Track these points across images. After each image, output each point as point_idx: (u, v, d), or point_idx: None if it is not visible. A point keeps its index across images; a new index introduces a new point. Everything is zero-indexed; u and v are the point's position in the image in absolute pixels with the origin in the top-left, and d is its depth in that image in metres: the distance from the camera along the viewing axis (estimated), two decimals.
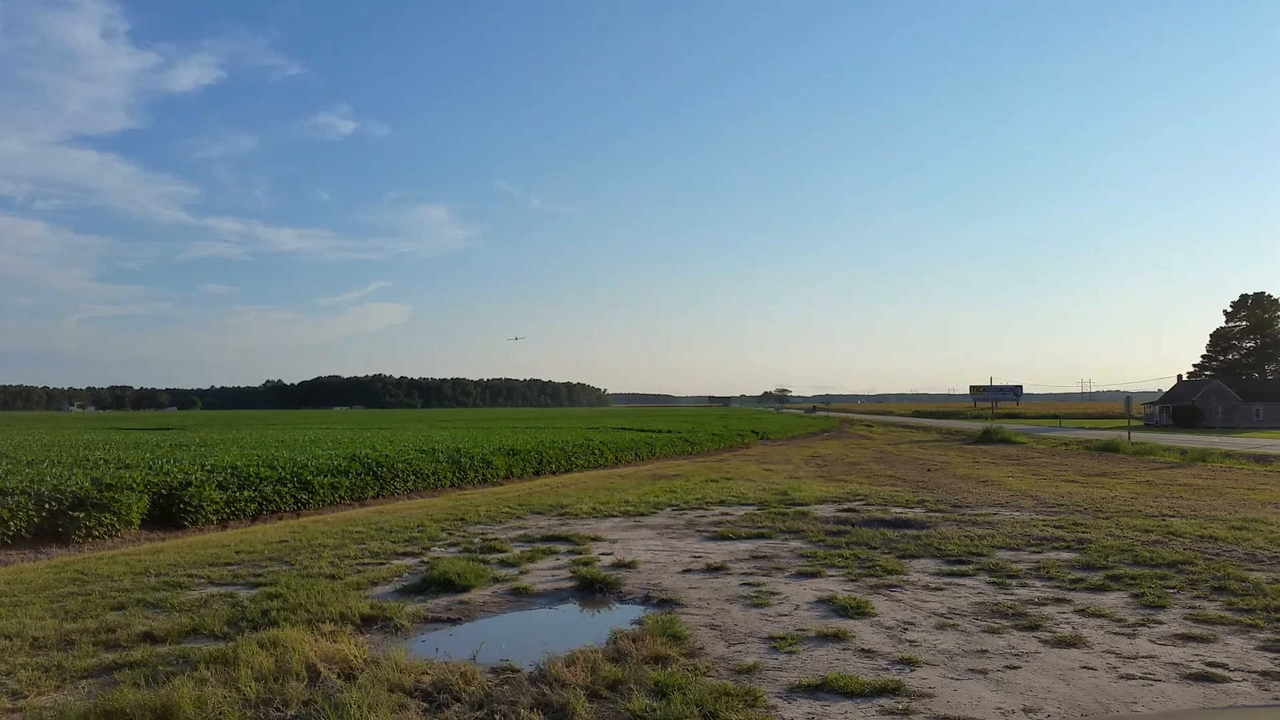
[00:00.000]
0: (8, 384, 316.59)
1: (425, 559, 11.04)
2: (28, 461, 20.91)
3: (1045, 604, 8.37)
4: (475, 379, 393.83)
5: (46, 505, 14.37)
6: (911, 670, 6.34)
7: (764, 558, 11.03)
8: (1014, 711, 5.49)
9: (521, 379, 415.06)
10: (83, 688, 6.05)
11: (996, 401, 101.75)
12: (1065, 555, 10.99)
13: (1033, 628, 7.48)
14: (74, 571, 10.51)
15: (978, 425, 64.34)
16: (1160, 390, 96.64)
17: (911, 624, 7.68)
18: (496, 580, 9.73)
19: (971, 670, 6.33)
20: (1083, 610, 8.07)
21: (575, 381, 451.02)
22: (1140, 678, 6.09)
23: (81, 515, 14.54)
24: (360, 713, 5.23)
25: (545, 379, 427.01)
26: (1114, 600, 8.51)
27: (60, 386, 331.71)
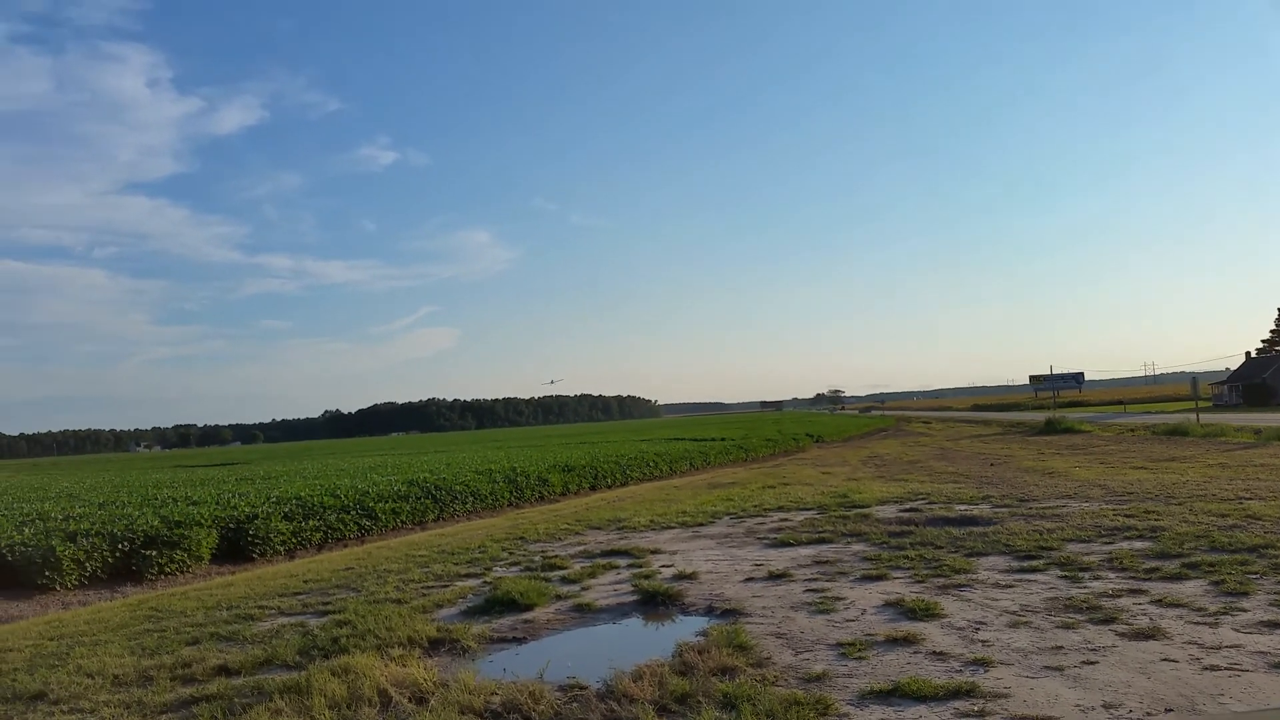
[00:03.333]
0: (77, 428, 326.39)
1: (488, 579, 11.10)
2: (100, 503, 21.49)
3: (1120, 596, 8.15)
4: (526, 398, 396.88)
5: (120, 545, 14.75)
6: (985, 671, 6.21)
7: (826, 562, 10.91)
8: (1094, 708, 5.34)
9: (572, 395, 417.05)
10: None
11: (1058, 390, 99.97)
12: (1138, 545, 10.70)
13: (1109, 621, 7.29)
14: (149, 609, 10.76)
15: (1039, 415, 63.02)
16: (1228, 369, 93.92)
17: (983, 623, 7.53)
18: (559, 598, 9.75)
19: (1047, 668, 6.18)
20: (1160, 600, 7.84)
21: (626, 394, 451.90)
22: (1226, 668, 5.89)
23: (153, 553, 14.90)
24: None
25: (596, 393, 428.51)
26: (1192, 589, 8.25)
27: (126, 428, 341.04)
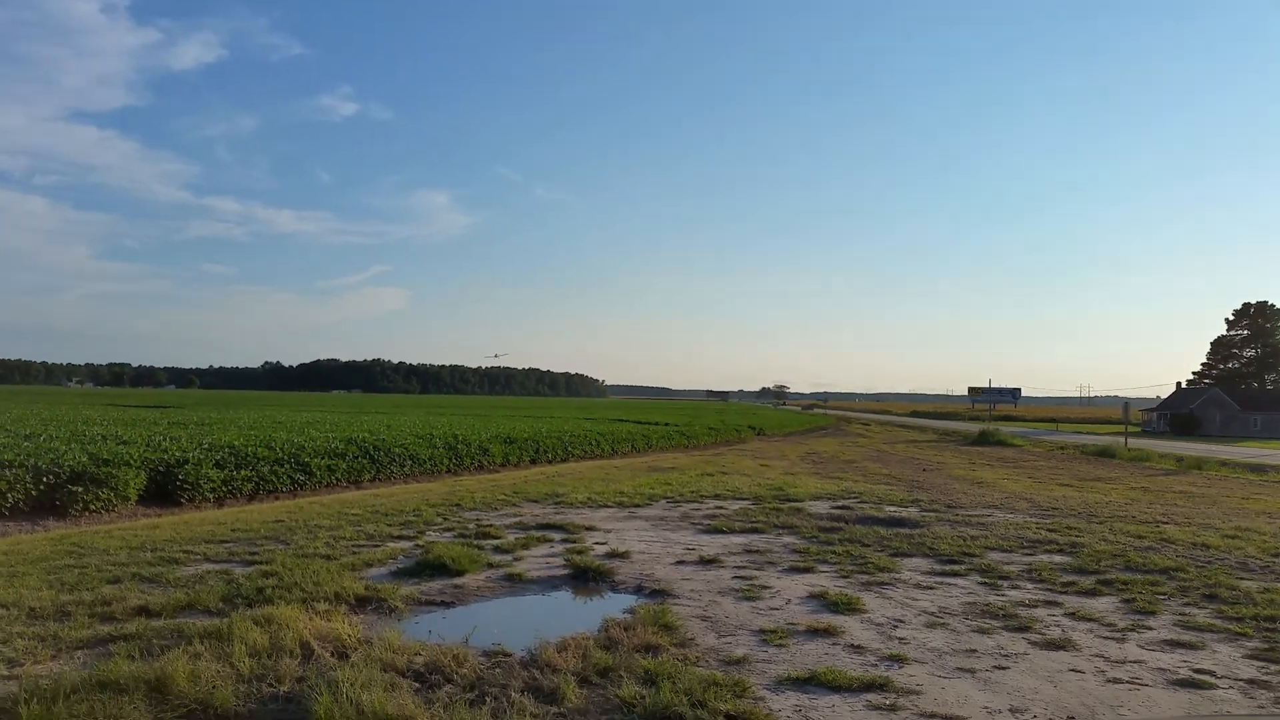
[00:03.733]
0: (6, 358, 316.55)
1: (420, 543, 11.08)
2: (25, 435, 20.94)
3: (1036, 606, 8.41)
4: (474, 366, 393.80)
5: (44, 479, 14.41)
6: (900, 667, 6.38)
7: (757, 552, 11.07)
8: (1001, 711, 5.53)
9: (520, 368, 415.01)
10: (78, 658, 6.09)
11: (994, 404, 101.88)
12: (1058, 558, 11.03)
13: (1023, 629, 7.52)
14: (70, 544, 10.55)
15: (975, 427, 64.42)
16: (1159, 397, 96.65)
17: (901, 621, 7.73)
18: (490, 566, 9.77)
19: (960, 669, 6.37)
20: (1073, 613, 8.11)
21: (574, 372, 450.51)
22: (1128, 682, 6.13)
23: (79, 489, 14.59)
24: (353, 690, 5.27)
25: (544, 369, 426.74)
26: (1105, 604, 8.55)
27: (59, 362, 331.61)
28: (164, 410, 46.38)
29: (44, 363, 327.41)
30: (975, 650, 6.86)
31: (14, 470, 14.22)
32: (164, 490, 16.36)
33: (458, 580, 9.02)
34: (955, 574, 9.92)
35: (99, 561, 9.40)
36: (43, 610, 7.24)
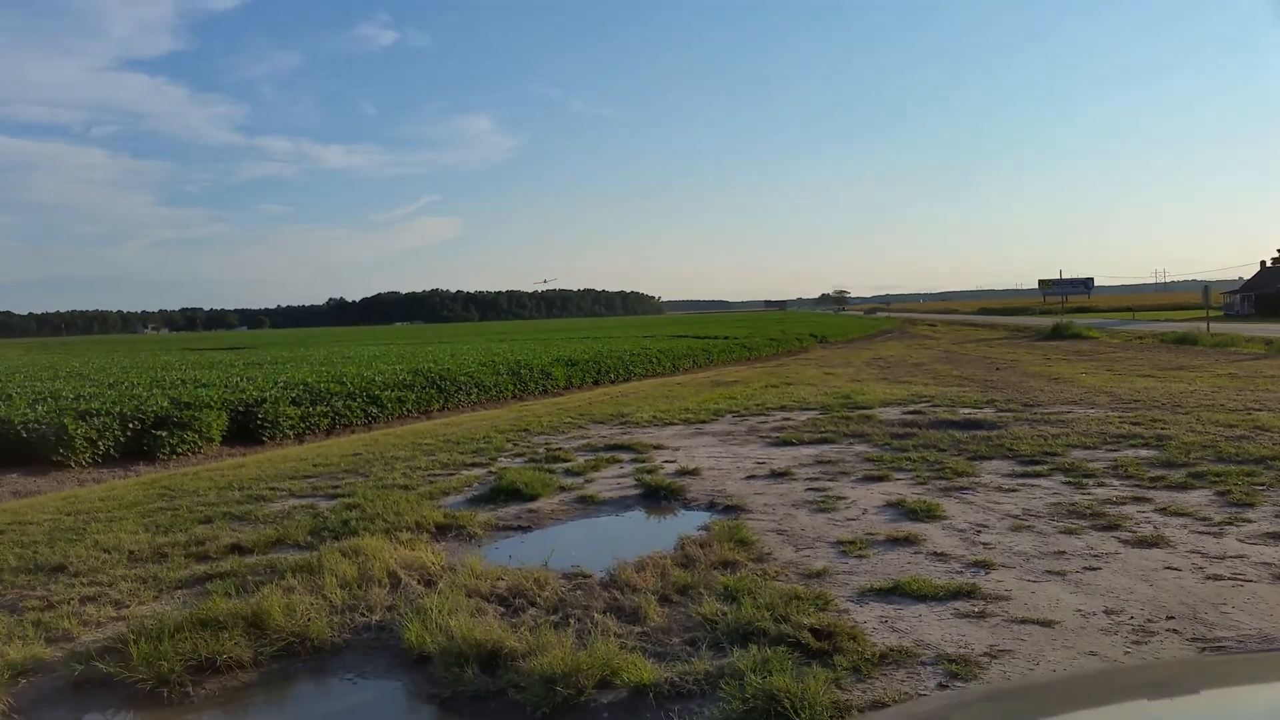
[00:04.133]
0: (84, 309, 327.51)
1: (493, 469, 11.21)
2: (109, 384, 21.64)
3: (1124, 503, 8.19)
4: (530, 290, 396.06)
5: (130, 425, 14.88)
6: (986, 573, 6.27)
7: (828, 462, 10.97)
8: (1095, 613, 5.40)
9: (575, 290, 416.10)
10: (178, 598, 6.31)
11: (1066, 296, 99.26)
12: (1144, 453, 10.73)
13: (1112, 528, 7.34)
14: (161, 488, 10.90)
15: (1047, 321, 62.78)
16: (1241, 279, 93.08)
17: (985, 526, 7.59)
18: (563, 489, 9.85)
19: (1049, 572, 6.24)
20: (1164, 509, 7.88)
21: (630, 290, 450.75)
22: (1229, 578, 5.93)
23: (164, 434, 15.04)
24: (441, 617, 5.35)
25: (599, 289, 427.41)
26: (1198, 498, 8.29)
27: (133, 310, 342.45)
28: (238, 351, 47.57)
29: (119, 311, 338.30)
30: (1064, 552, 6.71)
31: (102, 419, 14.70)
32: (246, 430, 16.81)
33: (532, 505, 9.11)
34: (1037, 474, 9.71)
35: (190, 503, 9.71)
36: (141, 553, 7.50)
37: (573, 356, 29.99)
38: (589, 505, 9.16)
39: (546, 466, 11.25)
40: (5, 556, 7.53)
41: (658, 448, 12.71)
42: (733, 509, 8.66)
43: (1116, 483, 9.12)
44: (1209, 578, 5.97)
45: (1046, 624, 5.27)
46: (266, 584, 6.22)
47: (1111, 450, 11.02)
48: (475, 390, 22.92)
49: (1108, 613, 5.41)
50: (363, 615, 5.73)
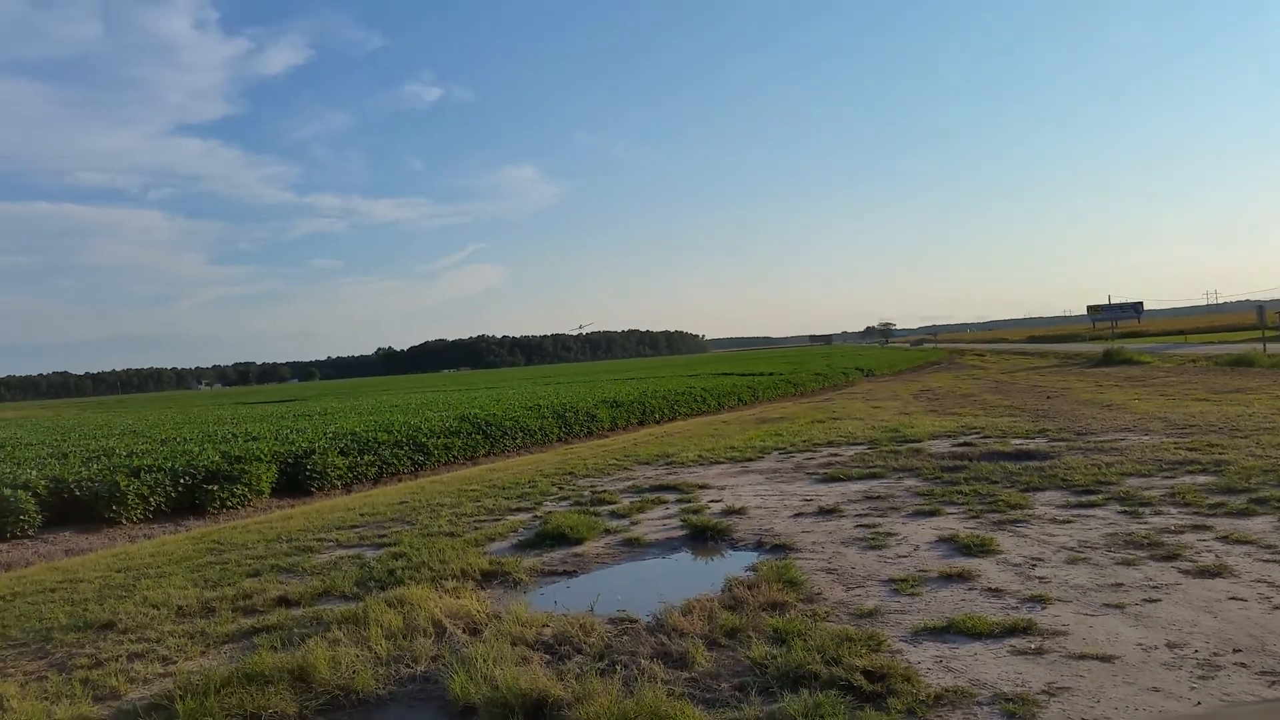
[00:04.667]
0: (140, 367, 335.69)
1: (538, 513, 11.20)
2: (162, 440, 22.08)
3: (1183, 532, 7.94)
4: (574, 333, 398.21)
5: (182, 480, 15.15)
6: (1043, 608, 6.10)
7: (878, 498, 10.80)
8: (1157, 647, 5.21)
9: (619, 331, 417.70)
10: (225, 652, 6.34)
11: (1116, 321, 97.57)
12: (1202, 479, 10.41)
13: (1171, 557, 7.10)
14: (211, 541, 11.04)
15: (1097, 347, 61.63)
16: None
17: (1040, 559, 7.39)
18: (608, 532, 9.80)
19: (1107, 605, 6.04)
20: (1225, 537, 7.62)
21: (673, 329, 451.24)
22: None
23: (215, 488, 15.28)
24: (487, 666, 5.32)
25: (643, 329, 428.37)
26: (1260, 525, 7.99)
27: (188, 366, 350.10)
28: (288, 404, 48.36)
29: (174, 368, 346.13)
30: (1122, 584, 6.50)
31: (154, 474, 14.99)
32: (294, 481, 17.02)
33: (577, 548, 9.07)
34: (1092, 504, 9.46)
35: (238, 556, 9.81)
36: (189, 608, 7.57)
37: (617, 398, 30.03)
38: (634, 548, 9.09)
39: (591, 509, 11.21)
40: (56, 614, 7.65)
41: (703, 487, 12.62)
42: (781, 548, 8.54)
43: (1174, 511, 8.85)
44: (1277, 608, 5.73)
45: (1106, 659, 5.09)
46: (312, 636, 6.24)
47: (1168, 477, 10.71)
48: (520, 434, 23.02)
49: (1170, 646, 5.22)
50: (408, 666, 5.72)
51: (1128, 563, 7.07)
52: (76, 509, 14.41)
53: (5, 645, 6.89)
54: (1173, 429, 15.39)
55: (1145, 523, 8.42)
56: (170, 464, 15.68)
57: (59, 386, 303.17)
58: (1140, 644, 5.29)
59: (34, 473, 15.30)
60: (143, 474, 14.99)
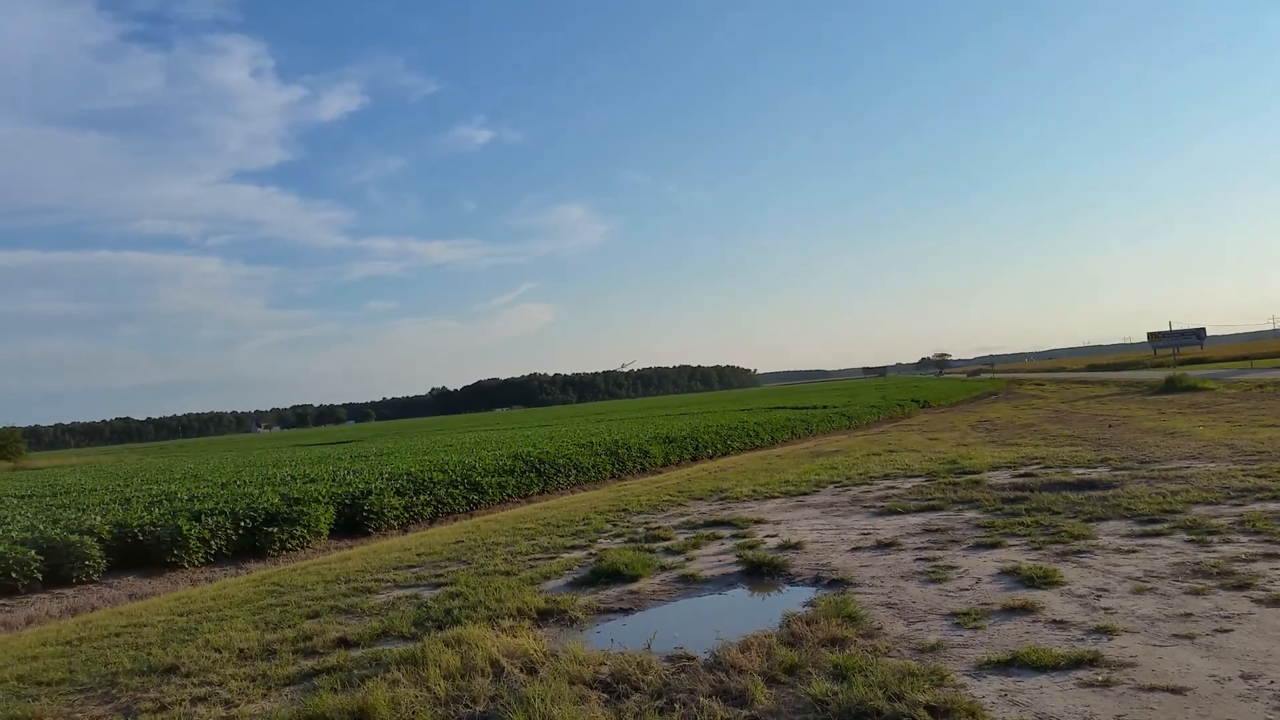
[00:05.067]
0: (200, 412, 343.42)
1: (593, 551, 11.21)
2: (222, 483, 22.55)
3: (1254, 560, 7.70)
4: (623, 370, 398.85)
5: (242, 523, 15.43)
6: (1109, 639, 5.95)
7: (937, 530, 10.64)
8: (1230, 679, 5.06)
9: (671, 366, 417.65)
10: (286, 695, 6.42)
11: (1178, 347, 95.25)
12: (1272, 506, 10.10)
13: (1242, 587, 6.90)
14: (271, 584, 11.22)
15: (1159, 374, 60.23)
16: None
17: (1105, 590, 7.22)
18: (663, 569, 9.77)
19: (1176, 636, 5.88)
20: None
21: (725, 364, 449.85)
22: None
23: (274, 530, 15.55)
24: (544, 705, 5.33)
25: (694, 364, 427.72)
26: None
27: (247, 410, 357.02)
28: (345, 445, 49.09)
29: (233, 412, 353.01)
30: (1191, 614, 6.33)
31: (215, 518, 15.30)
32: (352, 522, 17.25)
33: (633, 586, 9.05)
34: (1158, 534, 9.23)
35: (298, 598, 9.95)
36: (251, 650, 7.69)
37: (669, 434, 30.01)
38: (690, 584, 9.05)
39: (646, 546, 11.20)
40: (120, 659, 7.82)
41: (759, 522, 12.53)
42: (839, 583, 8.45)
43: (1244, 539, 8.59)
44: None
45: (1177, 691, 4.95)
46: (372, 678, 6.31)
47: (1236, 505, 10.41)
48: (574, 472, 23.09)
49: (1245, 677, 5.06)
50: (466, 706, 5.75)
51: (1196, 592, 6.88)
52: (140, 553, 14.74)
53: (72, 690, 7.06)
54: (1240, 455, 14.97)
55: (1214, 551, 8.19)
56: (231, 507, 15.99)
57: (121, 432, 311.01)
58: (1213, 675, 5.13)
59: (98, 518, 15.72)
60: (204, 517, 15.31)
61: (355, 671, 6.61)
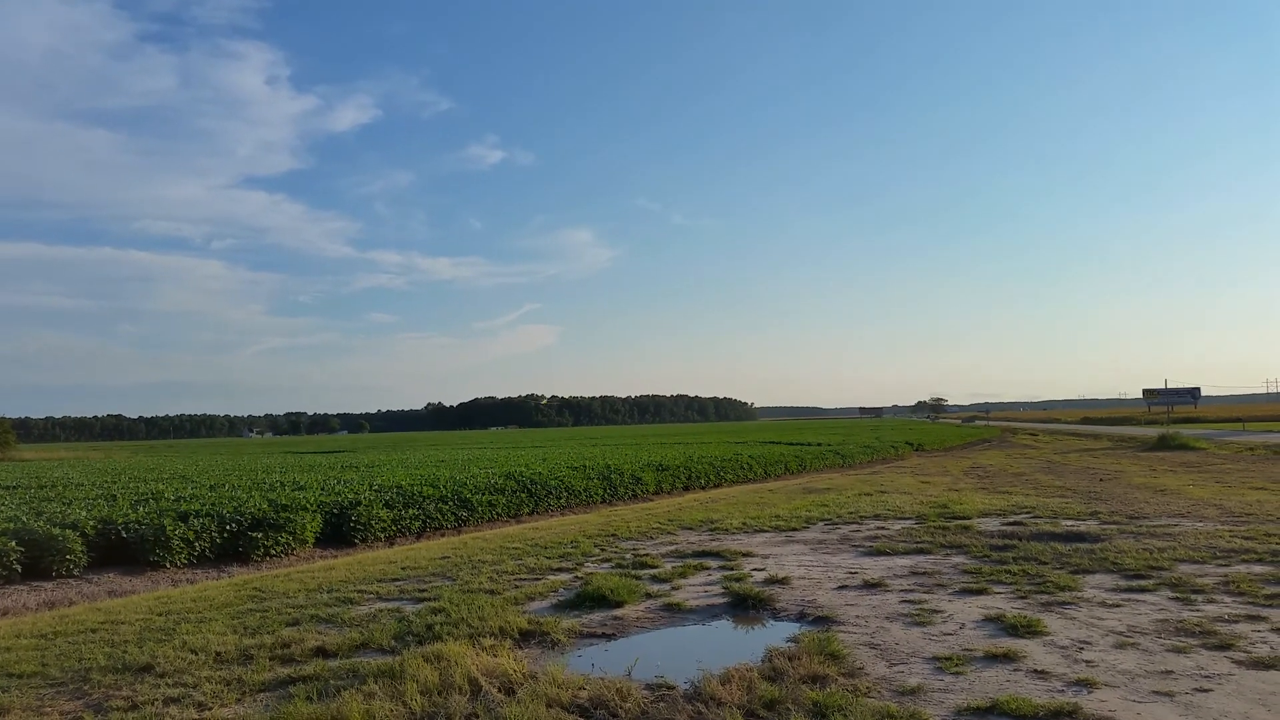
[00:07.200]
0: (193, 413, 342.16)
1: (579, 574, 11.19)
2: (210, 485, 22.48)
3: (1237, 621, 7.71)
4: (623, 396, 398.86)
5: (228, 526, 15.37)
6: (1089, 692, 5.95)
7: (924, 574, 10.64)
8: None
9: (669, 395, 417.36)
10: (260, 700, 6.39)
11: (1172, 405, 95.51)
12: (1257, 568, 10.11)
13: (1224, 647, 6.90)
14: (252, 589, 11.17)
15: (1152, 431, 60.30)
16: None
17: (1087, 643, 7.22)
18: (649, 596, 9.75)
19: (1156, 693, 5.88)
20: None
21: (722, 396, 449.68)
22: None
23: (259, 535, 15.48)
24: None
25: (692, 394, 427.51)
26: None
27: (240, 414, 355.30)
28: (337, 455, 48.96)
29: (226, 416, 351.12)
30: (1172, 671, 6.33)
31: (201, 520, 15.24)
32: (339, 532, 17.18)
33: (617, 611, 9.03)
34: (1143, 589, 9.23)
35: (279, 605, 9.91)
36: (228, 654, 7.66)
37: (663, 462, 29.97)
38: (675, 613, 9.04)
39: (633, 572, 11.17)
40: (95, 655, 7.78)
41: (747, 555, 12.52)
42: (823, 620, 8.44)
43: (1228, 599, 8.60)
44: None
45: None
46: (348, 689, 6.29)
47: (1222, 565, 10.42)
48: (565, 494, 23.04)
49: None
50: None
51: (1178, 650, 6.88)
52: (122, 550, 14.66)
53: (44, 684, 7.01)
54: (1228, 516, 14.99)
55: (1198, 610, 8.20)
56: (217, 510, 15.94)
57: (113, 429, 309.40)
58: None
59: (83, 513, 15.65)
60: (190, 519, 15.24)
61: (332, 682, 6.59)
